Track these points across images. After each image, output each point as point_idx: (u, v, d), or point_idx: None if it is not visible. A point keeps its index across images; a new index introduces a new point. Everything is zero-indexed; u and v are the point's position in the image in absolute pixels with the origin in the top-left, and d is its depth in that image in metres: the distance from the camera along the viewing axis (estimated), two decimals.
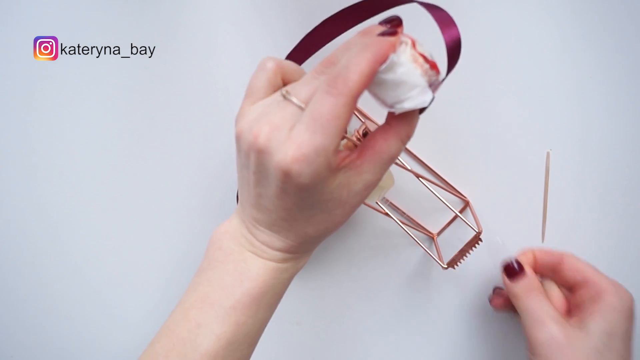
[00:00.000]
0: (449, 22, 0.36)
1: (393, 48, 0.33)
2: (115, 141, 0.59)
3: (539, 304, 0.47)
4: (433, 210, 0.59)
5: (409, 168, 0.55)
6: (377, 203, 0.54)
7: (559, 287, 0.51)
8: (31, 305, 0.64)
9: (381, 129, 0.36)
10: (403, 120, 0.36)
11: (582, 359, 0.43)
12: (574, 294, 0.49)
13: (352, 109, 0.32)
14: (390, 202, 0.59)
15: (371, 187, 0.36)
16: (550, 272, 0.52)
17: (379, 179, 0.36)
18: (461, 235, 0.59)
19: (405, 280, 0.60)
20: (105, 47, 0.57)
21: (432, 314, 0.61)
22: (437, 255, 0.56)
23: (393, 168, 0.55)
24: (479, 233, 0.53)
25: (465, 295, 0.60)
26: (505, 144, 0.58)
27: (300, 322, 0.64)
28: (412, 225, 0.59)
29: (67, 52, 0.57)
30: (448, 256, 0.57)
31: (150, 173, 0.60)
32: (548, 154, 0.58)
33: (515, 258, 0.52)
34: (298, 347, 0.65)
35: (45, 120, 0.59)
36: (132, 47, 0.57)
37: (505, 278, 0.51)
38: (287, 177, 0.33)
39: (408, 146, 0.58)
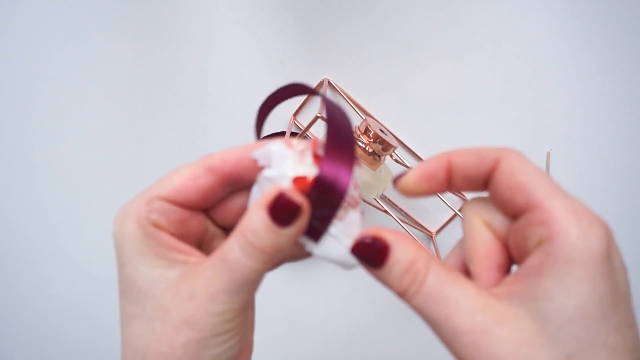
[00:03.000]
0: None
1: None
2: (115, 140, 0.60)
3: (445, 288, 0.24)
4: (432, 208, 0.59)
5: (409, 165, 0.55)
6: (375, 200, 0.54)
7: (501, 213, 0.27)
8: (31, 305, 0.64)
9: None
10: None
11: None
12: (517, 230, 0.25)
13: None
14: (389, 200, 0.59)
15: (213, 303, 0.25)
16: (481, 186, 0.27)
17: (218, 294, 0.25)
18: (460, 234, 0.59)
19: None
20: (104, 47, 0.57)
21: None
22: (435, 254, 0.56)
23: (392, 165, 0.55)
24: None
25: None
26: (505, 144, 0.58)
27: (300, 322, 0.63)
28: (411, 224, 0.59)
29: (67, 52, 0.58)
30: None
31: (149, 172, 0.60)
32: (548, 153, 0.58)
33: (368, 232, 0.25)
34: (298, 347, 0.64)
35: (45, 120, 0.59)
36: (131, 47, 0.57)
37: (370, 269, 0.26)
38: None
39: (407, 143, 0.58)
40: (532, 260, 0.23)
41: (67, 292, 0.64)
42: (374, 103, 0.57)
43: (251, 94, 0.58)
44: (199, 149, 0.59)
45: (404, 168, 0.54)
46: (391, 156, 0.52)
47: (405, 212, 0.59)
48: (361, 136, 0.50)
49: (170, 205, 0.27)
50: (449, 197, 0.58)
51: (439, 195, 0.57)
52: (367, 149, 0.50)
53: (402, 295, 0.25)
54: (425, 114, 0.58)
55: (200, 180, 0.27)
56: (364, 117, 0.52)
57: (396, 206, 0.59)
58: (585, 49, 0.56)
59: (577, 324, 0.22)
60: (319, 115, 0.46)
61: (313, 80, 0.57)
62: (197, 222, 0.28)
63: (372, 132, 0.49)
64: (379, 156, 0.50)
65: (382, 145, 0.49)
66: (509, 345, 0.22)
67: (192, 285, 0.25)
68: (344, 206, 0.25)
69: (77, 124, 0.59)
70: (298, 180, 0.25)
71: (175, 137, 0.59)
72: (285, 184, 0.25)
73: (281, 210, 0.24)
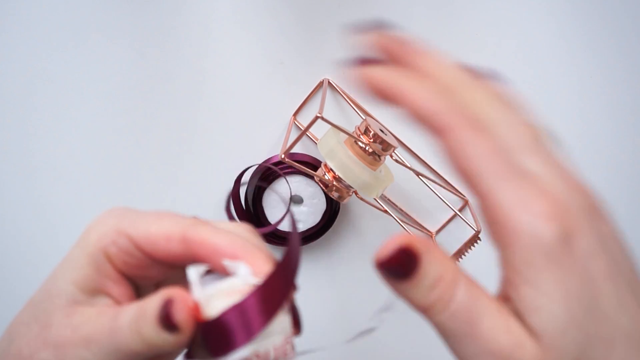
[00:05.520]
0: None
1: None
2: (115, 141, 0.60)
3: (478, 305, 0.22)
4: (432, 208, 0.59)
5: (409, 165, 0.55)
6: (375, 200, 0.54)
7: None
8: None
9: None
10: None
11: None
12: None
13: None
14: (389, 200, 0.59)
15: (83, 346, 0.24)
16: None
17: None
18: (460, 234, 0.59)
19: None
20: (104, 47, 0.57)
21: None
22: None
23: (392, 165, 0.55)
24: (477, 232, 0.53)
25: None
26: None
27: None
28: (411, 224, 0.59)
29: (67, 52, 0.58)
30: None
31: (149, 171, 0.60)
32: None
33: (400, 241, 0.22)
34: (298, 347, 0.64)
35: (45, 120, 0.59)
36: (131, 47, 0.57)
37: (394, 282, 0.22)
38: None
39: (408, 144, 0.58)
40: (503, 272, 0.22)
41: None
42: (374, 103, 0.57)
43: (251, 94, 0.58)
44: (198, 149, 0.59)
45: (402, 166, 0.54)
46: (391, 156, 0.52)
47: (405, 212, 0.59)
48: (361, 136, 0.50)
49: (136, 250, 0.26)
50: (449, 197, 0.58)
51: (438, 194, 0.57)
52: (367, 149, 0.50)
53: (426, 311, 0.22)
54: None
55: (172, 245, 0.26)
56: (364, 117, 0.52)
57: (396, 206, 0.59)
58: (585, 49, 0.56)
59: (573, 330, 0.20)
60: (319, 115, 0.46)
61: (313, 80, 0.57)
62: (160, 270, 0.27)
63: (372, 132, 0.49)
64: (379, 156, 0.50)
65: (382, 145, 0.49)
66: None
67: (84, 319, 0.25)
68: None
69: (76, 123, 0.59)
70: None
71: (175, 136, 0.59)
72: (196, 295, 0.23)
73: (164, 314, 0.22)
